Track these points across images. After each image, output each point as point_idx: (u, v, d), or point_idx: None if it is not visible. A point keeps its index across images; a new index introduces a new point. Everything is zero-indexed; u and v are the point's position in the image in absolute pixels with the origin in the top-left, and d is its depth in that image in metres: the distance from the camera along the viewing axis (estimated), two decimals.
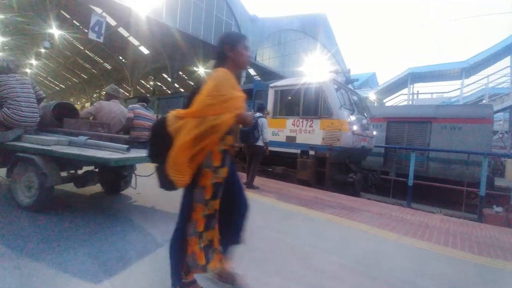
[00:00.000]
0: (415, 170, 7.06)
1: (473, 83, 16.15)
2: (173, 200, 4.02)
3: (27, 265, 1.86)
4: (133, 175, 3.94)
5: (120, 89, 4.22)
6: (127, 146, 2.91)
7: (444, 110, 8.90)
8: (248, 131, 5.19)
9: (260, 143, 5.29)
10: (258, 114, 5.39)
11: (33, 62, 30.83)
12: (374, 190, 7.60)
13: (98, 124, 3.56)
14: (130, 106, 3.98)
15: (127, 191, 4.24)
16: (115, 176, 3.88)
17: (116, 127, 3.92)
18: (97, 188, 4.30)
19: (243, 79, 20.98)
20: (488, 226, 4.11)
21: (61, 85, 49.56)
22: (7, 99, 3.03)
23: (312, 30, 27.02)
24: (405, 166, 8.47)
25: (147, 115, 3.95)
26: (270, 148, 7.02)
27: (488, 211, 6.29)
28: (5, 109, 3.01)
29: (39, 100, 3.47)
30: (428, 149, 8.42)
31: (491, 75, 14.30)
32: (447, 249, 2.83)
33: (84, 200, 3.61)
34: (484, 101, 13.69)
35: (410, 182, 6.83)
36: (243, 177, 5.71)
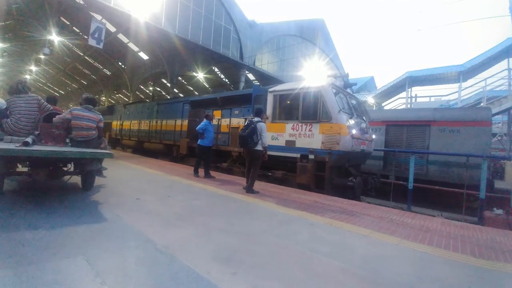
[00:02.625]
0: (415, 173, 7.07)
1: (471, 86, 16.25)
2: (175, 206, 4.03)
3: (26, 273, 1.84)
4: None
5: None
6: (25, 140, 3.50)
7: (442, 113, 8.93)
8: (246, 136, 5.20)
9: (259, 147, 5.30)
10: (256, 119, 5.40)
11: (33, 68, 30.93)
12: (374, 193, 7.59)
13: (52, 126, 4.19)
14: (72, 108, 4.45)
15: (127, 197, 4.24)
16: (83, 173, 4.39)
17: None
18: (96, 193, 4.29)
19: (242, 84, 21.07)
20: (489, 228, 4.10)
21: (60, 91, 49.67)
22: (12, 114, 4.13)
23: (310, 35, 27.25)
24: (404, 169, 8.49)
25: (85, 115, 4.31)
26: (270, 153, 7.02)
27: (489, 214, 6.29)
28: (9, 120, 4.11)
29: (45, 112, 4.43)
30: (428, 152, 8.44)
31: (488, 78, 14.39)
32: (448, 253, 2.82)
33: (81, 206, 3.59)
34: (482, 103, 13.75)
35: (410, 185, 6.83)
36: (243, 181, 5.71)
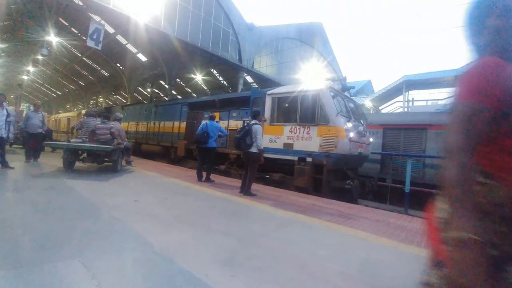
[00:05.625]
0: (412, 177, 7.10)
1: None
2: (173, 208, 4.02)
3: (24, 274, 1.84)
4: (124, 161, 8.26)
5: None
6: (68, 140, 7.40)
7: (439, 117, 9.00)
8: (239, 138, 5.22)
9: (254, 149, 5.30)
10: (253, 121, 5.42)
11: (30, 68, 30.76)
12: (371, 197, 7.61)
13: (91, 134, 7.34)
14: (97, 124, 7.39)
15: (125, 199, 4.23)
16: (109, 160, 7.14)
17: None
18: (94, 195, 4.27)
19: (240, 86, 21.11)
20: None
21: (58, 92, 49.41)
22: (84, 128, 7.47)
23: (308, 38, 27.40)
24: (401, 172, 8.51)
25: (101, 127, 7.24)
26: (268, 155, 7.03)
27: None
28: (80, 131, 7.47)
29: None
30: (424, 155, 8.49)
31: None
32: None
33: (79, 208, 3.57)
34: None
35: (407, 188, 6.85)
36: (240, 184, 5.70)
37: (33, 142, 7.95)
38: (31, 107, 32.85)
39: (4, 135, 6.47)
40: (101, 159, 6.99)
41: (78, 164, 7.18)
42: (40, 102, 9.28)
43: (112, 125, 7.39)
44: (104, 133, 7.13)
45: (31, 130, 7.79)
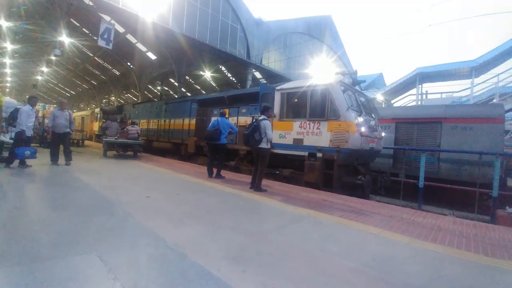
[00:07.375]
0: (426, 172, 6.95)
1: (483, 82, 15.85)
2: (184, 204, 4.07)
3: (40, 270, 1.90)
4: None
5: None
6: (115, 136, 10.85)
7: (454, 110, 8.74)
8: (248, 134, 5.22)
9: (263, 145, 5.28)
10: (262, 117, 5.39)
11: (44, 69, 31.56)
12: (383, 192, 7.50)
13: (122, 132, 10.93)
14: (128, 127, 11.03)
15: (138, 195, 4.31)
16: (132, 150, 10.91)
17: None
18: (107, 192, 4.37)
19: (249, 83, 21.06)
20: (501, 227, 4.01)
21: (71, 91, 50.59)
22: (107, 129, 11.48)
23: (317, 32, 27.00)
24: (415, 167, 8.35)
25: (132, 129, 10.67)
26: (277, 151, 7.02)
27: (501, 212, 6.14)
28: (107, 131, 11.45)
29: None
30: (439, 150, 8.28)
31: (501, 73, 14.01)
32: (460, 252, 2.77)
33: (93, 204, 3.67)
34: (494, 100, 13.41)
35: (421, 183, 6.72)
36: (250, 180, 5.71)
37: (60, 143, 7.48)
38: (46, 107, 33.77)
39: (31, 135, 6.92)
40: (127, 149, 10.97)
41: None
42: (65, 100, 8.41)
43: (138, 128, 11.05)
44: (133, 133, 10.58)
45: (57, 130, 7.30)
